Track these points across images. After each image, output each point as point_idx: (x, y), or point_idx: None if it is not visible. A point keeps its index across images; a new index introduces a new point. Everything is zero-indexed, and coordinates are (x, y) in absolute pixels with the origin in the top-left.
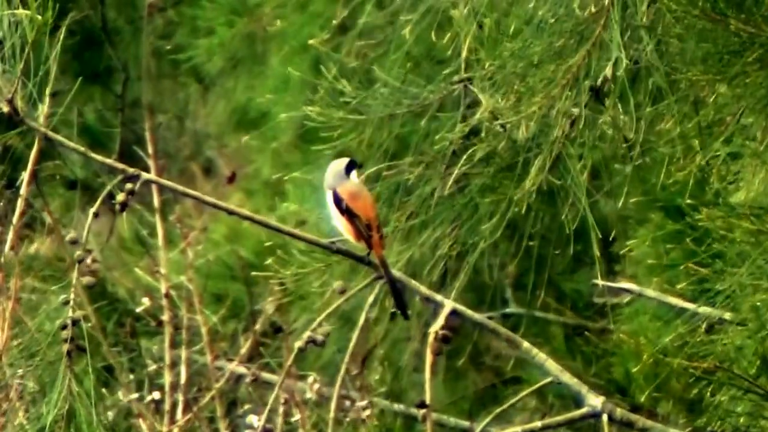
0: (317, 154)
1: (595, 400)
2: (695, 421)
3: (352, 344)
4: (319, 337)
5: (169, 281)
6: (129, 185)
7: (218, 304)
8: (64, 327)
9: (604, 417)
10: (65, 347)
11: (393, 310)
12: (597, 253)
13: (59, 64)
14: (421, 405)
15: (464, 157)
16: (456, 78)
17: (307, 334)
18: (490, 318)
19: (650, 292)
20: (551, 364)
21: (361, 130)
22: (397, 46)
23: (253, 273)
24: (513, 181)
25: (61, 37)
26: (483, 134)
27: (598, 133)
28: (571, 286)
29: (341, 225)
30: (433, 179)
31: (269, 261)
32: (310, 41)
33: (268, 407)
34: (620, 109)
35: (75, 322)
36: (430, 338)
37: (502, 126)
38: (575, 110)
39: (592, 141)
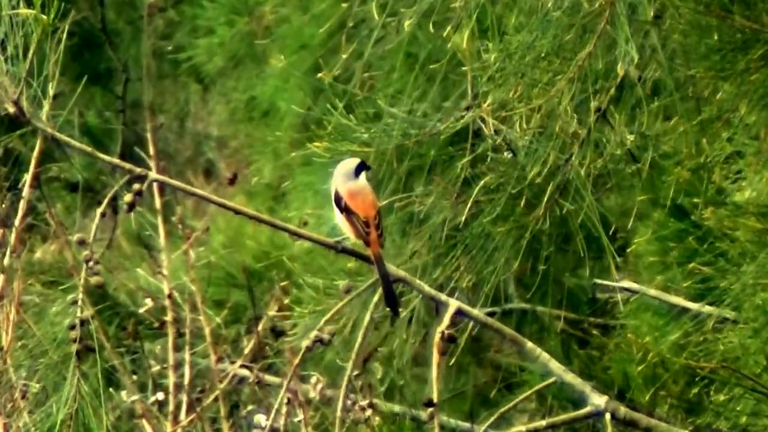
0: (318, 155)
1: (598, 400)
2: (694, 422)
3: (357, 344)
4: (326, 336)
5: (172, 282)
6: (136, 185)
7: (220, 309)
8: (72, 327)
9: (608, 416)
10: (74, 347)
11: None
12: (613, 264)
13: (60, 66)
14: (429, 404)
15: (477, 188)
16: (464, 104)
17: (314, 333)
18: (492, 314)
19: (652, 292)
20: (554, 365)
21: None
22: (399, 50)
23: (272, 313)
24: (519, 205)
25: (63, 37)
26: (490, 160)
27: (606, 153)
28: (575, 282)
29: (342, 223)
30: (445, 209)
31: (287, 300)
32: (319, 75)
33: (276, 407)
34: (625, 130)
35: (83, 323)
36: (437, 338)
37: (509, 148)
38: (581, 131)
39: (599, 158)
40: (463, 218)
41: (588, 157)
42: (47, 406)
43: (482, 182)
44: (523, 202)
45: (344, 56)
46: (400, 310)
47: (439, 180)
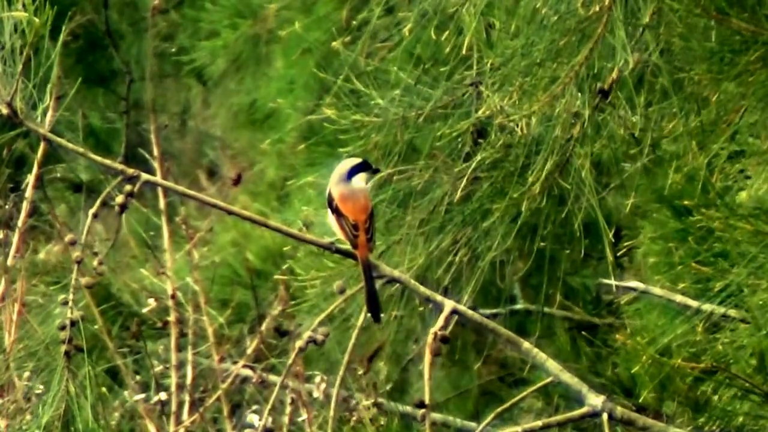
0: (322, 156)
1: (595, 400)
2: (695, 420)
3: (351, 343)
4: (320, 337)
5: (175, 282)
6: (128, 186)
7: (223, 309)
8: (62, 327)
9: (604, 416)
10: (63, 348)
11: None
12: (610, 257)
13: (64, 68)
14: (420, 405)
15: (473, 163)
16: (468, 81)
17: (307, 333)
18: (498, 314)
19: (656, 290)
20: (551, 364)
21: (375, 132)
22: (402, 46)
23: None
24: (520, 185)
25: (62, 38)
26: (492, 136)
27: (606, 132)
28: (579, 281)
29: (333, 224)
30: (444, 184)
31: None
32: (333, 44)
33: (269, 407)
34: (628, 110)
35: (73, 323)
36: (429, 338)
37: (502, 129)
38: (584, 112)
39: (600, 140)
40: (459, 193)
41: (589, 139)
42: (33, 405)
43: (480, 157)
44: (521, 181)
45: (347, 40)
46: (382, 315)
47: (439, 154)
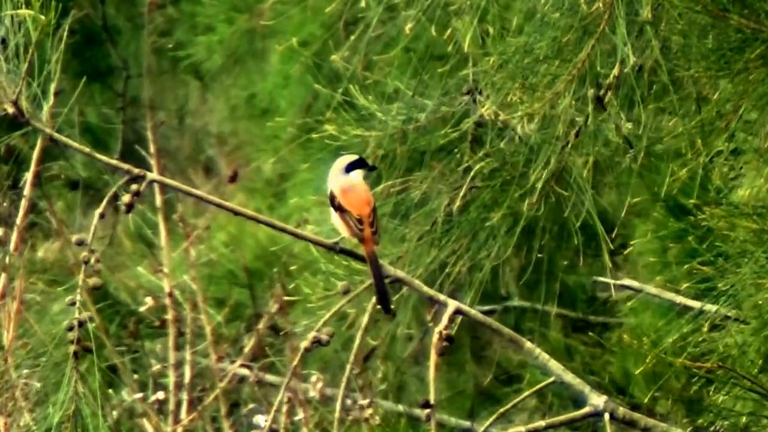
0: (319, 153)
1: (597, 400)
2: (695, 420)
3: (356, 345)
4: (324, 338)
5: (173, 281)
6: (134, 186)
7: (220, 308)
8: (70, 328)
9: (606, 416)
10: (71, 348)
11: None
12: (609, 263)
13: (61, 64)
14: (426, 405)
15: (472, 173)
16: (464, 88)
17: (312, 334)
18: (492, 311)
19: (652, 289)
20: (554, 364)
21: (376, 146)
22: (398, 44)
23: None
24: (518, 187)
25: (64, 36)
26: (487, 146)
27: (602, 139)
28: (574, 280)
29: (336, 222)
30: (442, 194)
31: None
32: (332, 57)
33: (275, 408)
34: (623, 116)
35: (81, 324)
36: (435, 338)
37: (500, 133)
38: (579, 119)
39: (596, 145)
40: (457, 203)
41: (585, 145)
42: (45, 407)
43: (477, 167)
44: (519, 189)
45: (345, 53)
46: (393, 308)
47: (436, 165)
